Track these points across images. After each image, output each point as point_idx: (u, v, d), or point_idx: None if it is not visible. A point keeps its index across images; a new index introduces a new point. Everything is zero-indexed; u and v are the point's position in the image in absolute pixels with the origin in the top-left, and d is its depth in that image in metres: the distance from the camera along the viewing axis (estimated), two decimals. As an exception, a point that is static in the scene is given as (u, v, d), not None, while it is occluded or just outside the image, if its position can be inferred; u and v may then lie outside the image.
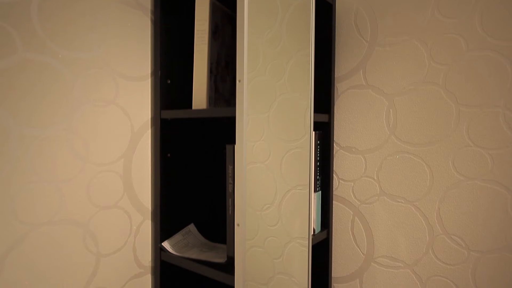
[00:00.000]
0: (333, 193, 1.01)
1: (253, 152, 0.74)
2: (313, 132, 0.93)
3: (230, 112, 0.70)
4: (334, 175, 1.01)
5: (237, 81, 0.66)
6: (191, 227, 0.84)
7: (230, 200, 0.71)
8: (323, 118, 0.94)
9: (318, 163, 0.96)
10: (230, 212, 0.70)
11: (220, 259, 0.80)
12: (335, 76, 1.00)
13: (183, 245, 0.88)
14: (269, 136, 0.78)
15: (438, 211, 0.86)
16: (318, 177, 0.95)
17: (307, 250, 0.91)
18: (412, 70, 0.88)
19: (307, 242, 0.93)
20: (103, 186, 0.82)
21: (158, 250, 0.90)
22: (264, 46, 0.72)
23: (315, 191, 0.94)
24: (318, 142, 0.95)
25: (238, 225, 0.66)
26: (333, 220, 1.01)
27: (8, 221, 0.68)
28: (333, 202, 1.01)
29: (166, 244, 0.86)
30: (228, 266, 0.78)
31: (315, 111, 0.98)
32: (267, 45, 0.73)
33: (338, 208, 1.01)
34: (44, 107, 0.71)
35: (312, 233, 0.91)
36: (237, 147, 0.68)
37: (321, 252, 1.00)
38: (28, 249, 0.70)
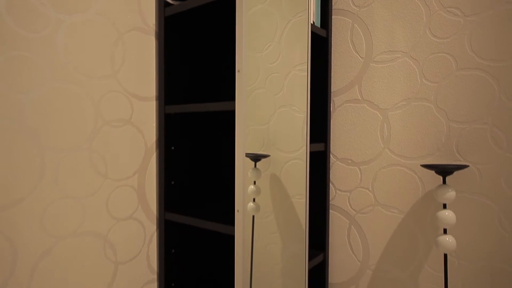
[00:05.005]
0: (333, 7, 1.03)
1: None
2: None
3: None
4: (333, -11, 1.03)
5: None
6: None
7: None
8: None
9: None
10: None
11: None
12: None
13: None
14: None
15: (434, -10, 0.87)
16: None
17: (306, 75, 0.93)
18: None
19: (306, 66, 0.94)
20: None
21: (161, 4, 0.92)
22: None
23: (314, -15, 0.95)
24: None
25: None
26: (332, 31, 1.03)
27: None
28: (332, 16, 1.03)
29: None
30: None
31: None
32: None
33: (337, 21, 1.02)
34: None
35: (312, 22, 0.93)
36: None
37: (320, 63, 1.02)
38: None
